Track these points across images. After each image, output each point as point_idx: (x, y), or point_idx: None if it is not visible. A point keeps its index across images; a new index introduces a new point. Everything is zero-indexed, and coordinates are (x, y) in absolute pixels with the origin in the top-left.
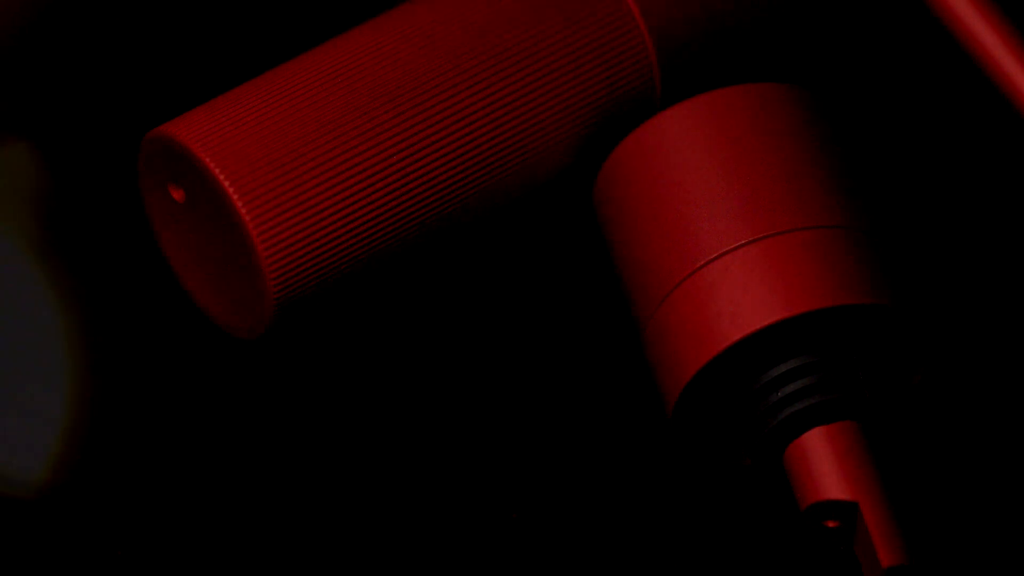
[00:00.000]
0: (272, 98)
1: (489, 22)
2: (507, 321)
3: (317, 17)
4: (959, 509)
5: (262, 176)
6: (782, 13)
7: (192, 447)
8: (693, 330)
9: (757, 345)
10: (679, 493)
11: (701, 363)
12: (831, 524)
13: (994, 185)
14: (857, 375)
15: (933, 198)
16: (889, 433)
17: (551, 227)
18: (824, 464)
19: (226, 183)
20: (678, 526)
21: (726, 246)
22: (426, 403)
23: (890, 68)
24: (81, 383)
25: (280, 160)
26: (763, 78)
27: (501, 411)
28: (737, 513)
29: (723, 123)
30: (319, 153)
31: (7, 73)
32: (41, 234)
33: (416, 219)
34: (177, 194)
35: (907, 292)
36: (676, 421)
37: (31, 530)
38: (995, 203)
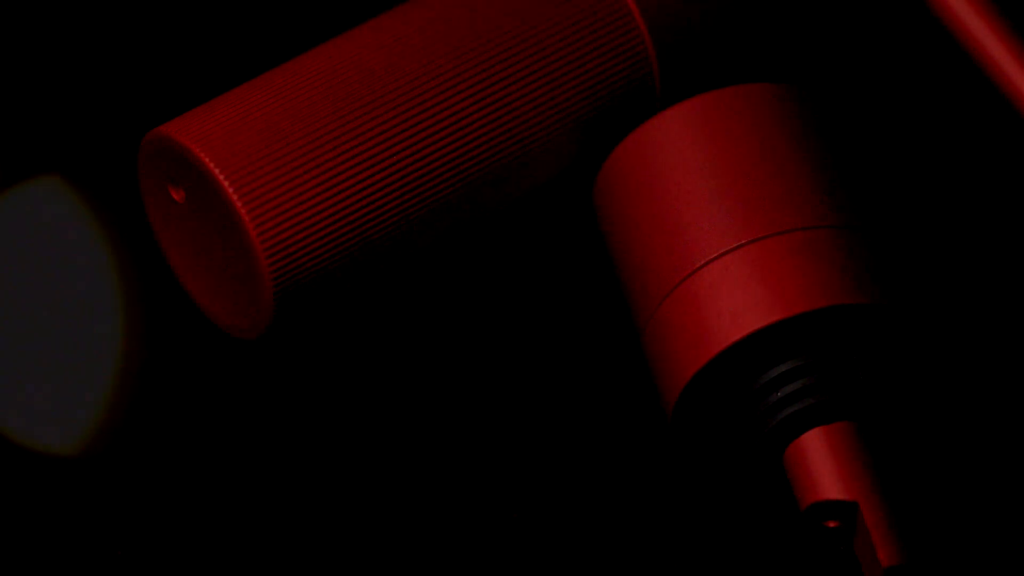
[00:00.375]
0: (271, 98)
1: (485, 17)
2: (507, 321)
3: (317, 17)
4: (959, 509)
5: (261, 176)
6: (779, 2)
7: (192, 447)
8: (692, 331)
9: (756, 346)
10: (679, 493)
11: (700, 364)
12: (831, 524)
13: (993, 184)
14: (856, 375)
15: (932, 197)
16: (889, 433)
17: (551, 227)
18: (823, 464)
19: (226, 183)
20: (678, 526)
21: (725, 247)
22: (426, 403)
23: (889, 68)
24: (126, 361)
25: (279, 160)
26: (763, 74)
27: (501, 411)
28: (737, 513)
29: (721, 124)
30: (318, 153)
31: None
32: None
33: (417, 219)
34: (177, 194)
35: (905, 291)
36: (676, 422)
37: (36, 526)
38: (994, 202)
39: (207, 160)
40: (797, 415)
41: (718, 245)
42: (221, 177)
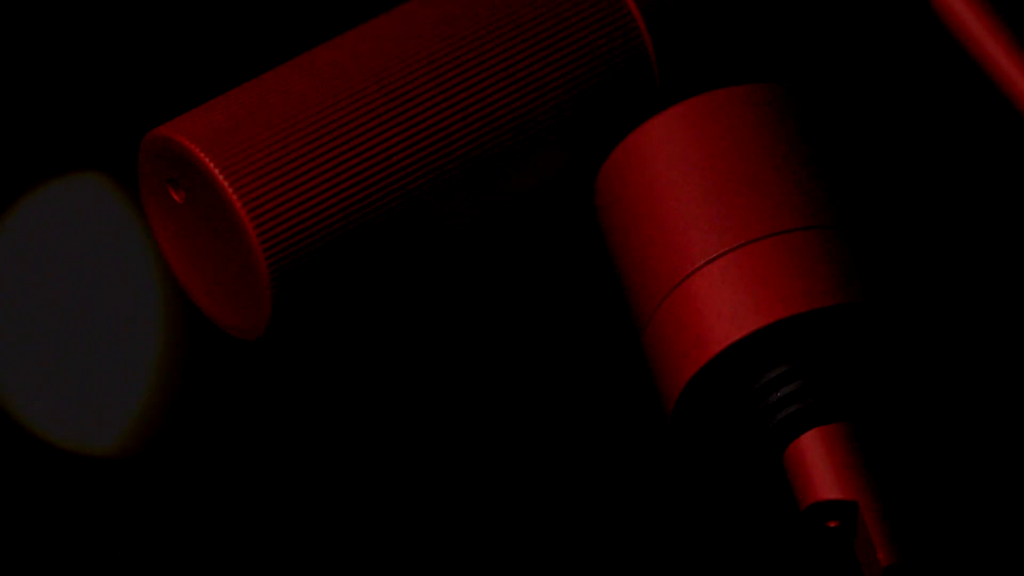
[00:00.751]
0: (270, 97)
1: (478, 6)
2: (507, 321)
3: (317, 17)
4: (958, 508)
5: (261, 175)
6: None
7: (191, 447)
8: (692, 331)
9: (756, 346)
10: (679, 493)
11: (700, 364)
12: (831, 524)
13: (989, 183)
14: (855, 375)
15: (931, 196)
16: (888, 432)
17: (551, 227)
18: (823, 464)
19: (225, 183)
20: (678, 526)
21: (725, 247)
22: (426, 403)
23: (886, 66)
24: (161, 366)
25: (278, 159)
26: (762, 60)
27: (501, 411)
28: (737, 513)
29: (720, 126)
30: (318, 152)
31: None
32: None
33: (418, 216)
34: (177, 194)
35: (904, 291)
36: (675, 422)
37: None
38: (990, 201)
39: (206, 160)
40: (796, 415)
41: (718, 245)
42: (220, 177)
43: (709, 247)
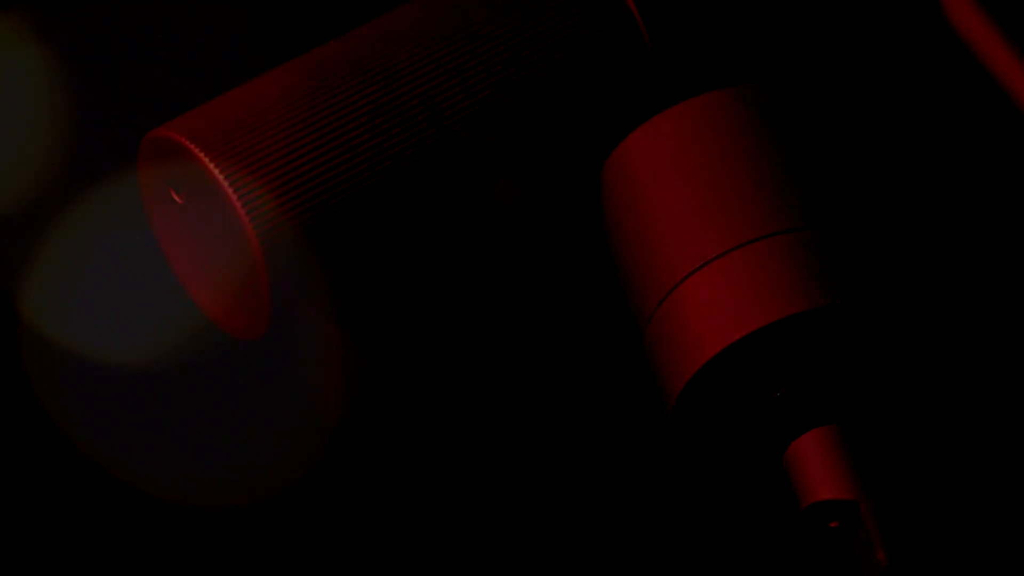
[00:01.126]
0: (270, 98)
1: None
2: (508, 320)
3: (316, 18)
4: (958, 508)
5: (261, 175)
6: None
7: (192, 446)
8: (692, 331)
9: (755, 346)
10: (679, 493)
11: (700, 364)
12: (831, 524)
13: (992, 183)
14: (856, 376)
15: (931, 197)
16: (889, 434)
17: (551, 226)
18: (823, 464)
19: (225, 183)
20: (678, 526)
21: (726, 246)
22: (427, 403)
23: (883, 64)
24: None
25: (279, 159)
26: (757, 55)
27: (502, 410)
28: (738, 513)
29: (721, 126)
30: (318, 153)
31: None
32: None
33: (414, 209)
34: (178, 195)
35: (904, 291)
36: (676, 422)
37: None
38: (992, 200)
39: (206, 159)
40: (797, 415)
41: (719, 245)
42: (220, 176)
43: (710, 247)
